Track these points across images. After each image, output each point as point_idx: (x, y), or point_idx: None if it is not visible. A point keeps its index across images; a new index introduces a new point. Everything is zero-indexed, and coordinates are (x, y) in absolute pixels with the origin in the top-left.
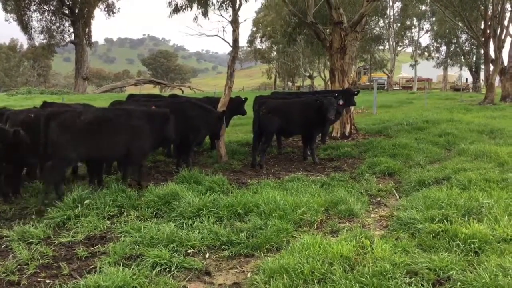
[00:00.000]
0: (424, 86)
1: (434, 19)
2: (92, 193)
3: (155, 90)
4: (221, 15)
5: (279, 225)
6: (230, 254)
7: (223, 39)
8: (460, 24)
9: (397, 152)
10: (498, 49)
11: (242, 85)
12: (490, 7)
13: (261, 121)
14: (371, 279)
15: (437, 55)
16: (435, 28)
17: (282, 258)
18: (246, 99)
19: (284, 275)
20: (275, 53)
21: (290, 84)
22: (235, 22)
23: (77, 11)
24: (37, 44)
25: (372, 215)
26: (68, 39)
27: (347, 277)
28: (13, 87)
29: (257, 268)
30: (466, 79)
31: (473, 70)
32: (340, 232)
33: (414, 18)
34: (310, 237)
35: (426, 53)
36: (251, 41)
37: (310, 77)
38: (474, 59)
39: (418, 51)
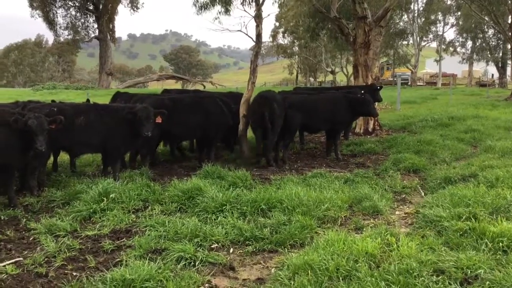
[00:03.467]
0: (448, 81)
1: (459, 13)
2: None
3: (177, 86)
4: (244, 10)
5: (303, 221)
6: (254, 249)
7: (246, 34)
8: (486, 18)
9: (422, 148)
10: None
11: (264, 81)
12: None
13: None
14: (397, 277)
15: (462, 50)
16: (460, 22)
17: (307, 254)
18: None
19: (309, 271)
20: (297, 48)
21: (312, 79)
22: (258, 17)
23: (101, 7)
24: (62, 40)
25: (397, 212)
26: (92, 35)
27: (372, 274)
28: (39, 82)
29: (281, 263)
30: (492, 74)
31: (500, 65)
32: (364, 229)
33: (439, 13)
34: (334, 233)
35: (451, 48)
36: (273, 36)
37: (332, 72)
38: (501, 54)
39: (443, 46)
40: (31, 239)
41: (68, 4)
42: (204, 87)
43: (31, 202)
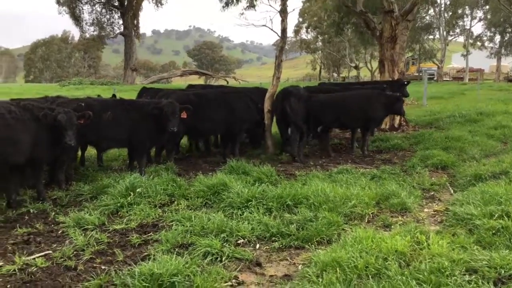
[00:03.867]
0: (476, 77)
1: (487, 7)
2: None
3: (200, 81)
4: (270, 5)
5: (330, 218)
6: (280, 245)
7: (271, 29)
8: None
9: (450, 145)
10: None
11: (287, 76)
12: None
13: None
14: (428, 276)
15: (490, 44)
16: (488, 16)
17: (334, 252)
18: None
19: (337, 269)
20: (320, 43)
21: (335, 74)
22: (283, 12)
23: (126, 3)
24: (87, 36)
25: (425, 210)
26: (117, 31)
27: (403, 273)
28: (65, 78)
29: (308, 260)
30: None
31: None
32: (392, 227)
33: (467, 7)
34: (362, 230)
35: (478, 43)
36: (296, 31)
37: (356, 67)
38: None
39: (470, 41)
40: (60, 232)
41: (93, 0)
42: (227, 82)
43: (59, 196)
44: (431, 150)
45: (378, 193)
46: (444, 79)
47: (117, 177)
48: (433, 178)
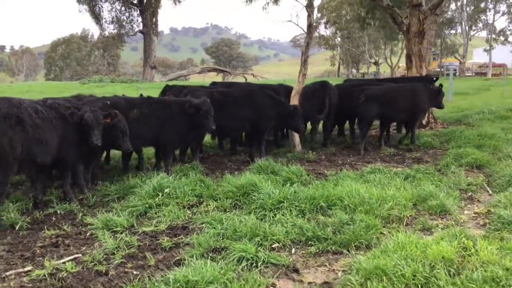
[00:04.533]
0: (499, 72)
1: (511, 0)
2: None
3: (218, 78)
4: (296, 0)
5: (368, 221)
6: (317, 250)
7: (297, 25)
8: None
9: (484, 142)
10: None
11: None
12: None
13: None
14: (482, 285)
15: None
16: None
17: (376, 258)
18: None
19: (383, 277)
20: (339, 39)
21: (354, 71)
22: (310, 7)
23: (145, 0)
24: (107, 34)
25: (465, 212)
26: (136, 29)
27: (454, 282)
28: (85, 75)
29: (348, 267)
30: None
31: None
32: (433, 230)
33: (489, 0)
34: (404, 235)
35: (501, 37)
36: (315, 27)
37: (376, 63)
38: None
39: (493, 36)
40: (88, 234)
41: None
42: (246, 79)
43: (86, 196)
44: (464, 149)
45: (414, 194)
46: (466, 74)
47: (143, 177)
48: (469, 178)
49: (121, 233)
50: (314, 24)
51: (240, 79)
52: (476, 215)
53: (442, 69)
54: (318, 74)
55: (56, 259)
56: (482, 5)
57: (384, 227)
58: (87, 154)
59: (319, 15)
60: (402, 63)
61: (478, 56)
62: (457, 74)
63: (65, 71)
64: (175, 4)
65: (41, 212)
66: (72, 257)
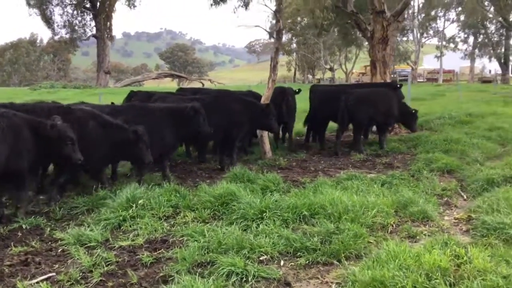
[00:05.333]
0: (449, 78)
1: (459, 9)
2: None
3: (173, 84)
4: (265, 5)
5: (355, 230)
6: (307, 261)
7: (265, 30)
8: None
9: (450, 147)
10: None
11: (260, 79)
12: None
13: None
14: None
15: (464, 46)
16: (461, 18)
17: (371, 269)
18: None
19: None
20: (295, 45)
21: (310, 76)
22: (279, 12)
23: (98, 4)
24: (57, 38)
25: (446, 218)
26: (89, 33)
27: None
28: (34, 81)
29: (342, 279)
30: (490, 70)
31: (502, 61)
32: (418, 237)
33: (439, 9)
34: (395, 244)
35: (452, 44)
36: (271, 34)
37: (331, 69)
38: (503, 50)
39: (443, 42)
40: (59, 250)
41: (64, 2)
42: (203, 85)
43: (52, 209)
44: (433, 154)
45: (394, 200)
46: (418, 80)
47: (113, 188)
48: (441, 183)
49: (96, 248)
50: (270, 30)
51: (198, 85)
52: (457, 221)
53: (394, 75)
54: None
55: (28, 279)
56: (433, 13)
57: (370, 235)
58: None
59: (274, 21)
60: (356, 69)
61: (428, 63)
62: (410, 80)
63: (13, 76)
64: (130, 8)
65: (4, 227)
66: (45, 276)
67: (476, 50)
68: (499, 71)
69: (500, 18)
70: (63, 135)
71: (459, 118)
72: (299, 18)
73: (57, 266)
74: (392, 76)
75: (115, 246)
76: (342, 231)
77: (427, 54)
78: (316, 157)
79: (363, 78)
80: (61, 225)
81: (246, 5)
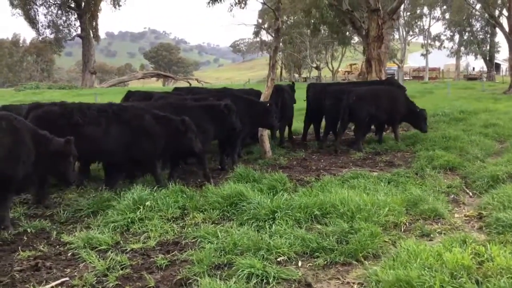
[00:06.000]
0: (435, 75)
1: (445, 7)
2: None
3: (158, 84)
4: (263, 3)
5: (371, 229)
6: (325, 262)
7: (263, 28)
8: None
9: (450, 144)
10: None
11: (248, 77)
12: None
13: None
14: None
15: (450, 44)
16: (446, 16)
17: (393, 268)
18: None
19: None
20: (281, 44)
21: (296, 75)
22: (278, 10)
23: (83, 4)
24: (40, 38)
25: (456, 215)
26: (74, 33)
27: None
28: (17, 82)
29: (363, 279)
30: (473, 68)
31: (487, 59)
32: (432, 235)
33: (425, 7)
34: (414, 243)
35: (437, 42)
36: (256, 33)
37: (317, 68)
38: (488, 47)
39: (429, 41)
40: (69, 254)
41: (49, 1)
42: (190, 84)
43: (56, 211)
44: (433, 151)
45: (404, 199)
46: (404, 78)
47: (117, 190)
48: (445, 180)
49: (107, 251)
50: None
51: (184, 84)
52: (467, 218)
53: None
54: (261, 79)
55: (43, 284)
56: (418, 11)
57: (384, 234)
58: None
59: (260, 20)
60: (342, 68)
61: (412, 61)
62: (395, 78)
63: None
64: (115, 8)
65: (9, 231)
66: (59, 281)
67: (462, 48)
68: (483, 69)
69: (486, 16)
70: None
71: (453, 115)
72: (285, 17)
73: (69, 270)
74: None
75: (127, 249)
76: (357, 231)
77: (411, 52)
78: (315, 156)
79: (349, 77)
80: (67, 228)
81: (240, 2)
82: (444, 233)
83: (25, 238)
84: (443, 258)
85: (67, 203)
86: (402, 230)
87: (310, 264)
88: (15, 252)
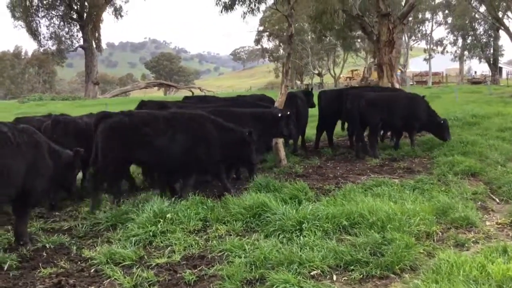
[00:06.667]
0: (438, 80)
1: (447, 11)
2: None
3: (160, 93)
4: (276, 9)
5: (406, 240)
6: (361, 275)
7: (273, 34)
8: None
9: (468, 149)
10: None
11: (249, 85)
12: None
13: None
14: None
15: (453, 48)
16: (448, 21)
17: (436, 282)
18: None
19: None
20: (282, 51)
21: (298, 82)
22: (290, 17)
23: (85, 15)
24: (42, 50)
25: (487, 223)
26: (76, 44)
27: None
28: (19, 94)
29: None
30: (475, 71)
31: (491, 62)
32: (466, 245)
33: (427, 12)
34: (454, 255)
35: (439, 47)
36: (257, 40)
37: (319, 74)
38: (492, 51)
39: (431, 46)
40: (92, 270)
41: (51, 13)
42: (193, 93)
43: (74, 225)
44: (452, 156)
45: (432, 207)
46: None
47: (136, 202)
48: (469, 187)
49: (132, 267)
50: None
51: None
52: (500, 226)
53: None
54: (262, 86)
55: None
56: (420, 16)
57: (418, 245)
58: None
59: (261, 28)
60: (343, 74)
61: (414, 66)
62: (399, 82)
63: None
64: (117, 18)
65: (28, 247)
66: None
67: (466, 52)
68: (485, 72)
69: (490, 18)
70: None
71: (465, 120)
72: (286, 25)
73: None
74: None
75: (151, 264)
76: (391, 242)
77: (413, 57)
78: (330, 163)
79: (351, 83)
80: (86, 243)
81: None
82: (479, 243)
83: (45, 254)
84: (487, 269)
85: (84, 217)
86: (435, 240)
87: (345, 278)
88: (35, 269)
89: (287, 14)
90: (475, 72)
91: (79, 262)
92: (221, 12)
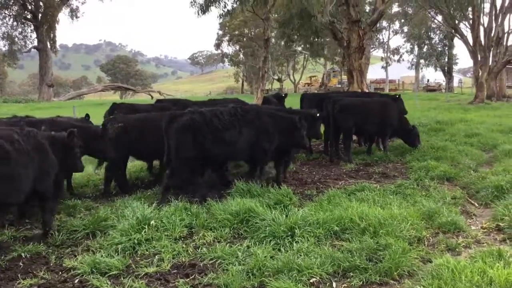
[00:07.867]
0: (395, 87)
1: (403, 20)
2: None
3: (116, 96)
4: (253, 13)
5: (401, 245)
6: (361, 282)
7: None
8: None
9: (440, 155)
10: (488, 48)
11: (209, 90)
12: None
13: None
14: None
15: (410, 56)
16: (405, 30)
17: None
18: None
19: None
20: (242, 56)
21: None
22: (267, 20)
23: (40, 16)
24: None
25: (472, 227)
26: (30, 45)
27: None
28: None
29: None
30: (428, 79)
31: (446, 70)
32: (457, 250)
33: (384, 21)
34: (451, 260)
35: (396, 56)
36: (217, 45)
37: (279, 80)
38: (447, 59)
39: (388, 53)
40: (76, 281)
41: (3, 13)
42: (152, 97)
43: (50, 233)
44: (425, 162)
45: (418, 211)
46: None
47: (114, 208)
48: (447, 191)
49: (119, 277)
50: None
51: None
52: (486, 230)
53: (342, 86)
54: (221, 91)
55: None
56: (378, 25)
57: (411, 250)
58: None
59: (220, 32)
60: (302, 80)
61: (371, 73)
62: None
63: None
64: (72, 19)
65: (2, 256)
66: None
67: (422, 60)
68: (438, 80)
69: (445, 29)
70: None
71: (431, 126)
72: (246, 30)
73: None
74: (340, 86)
75: (140, 274)
76: (386, 247)
77: (370, 65)
78: (305, 168)
79: (310, 89)
80: (65, 252)
81: (229, 13)
82: (470, 247)
83: (21, 264)
84: (489, 275)
85: (58, 224)
86: (426, 245)
87: (345, 285)
88: (13, 280)
89: (263, 17)
90: (428, 80)
91: (60, 273)
92: (197, 14)
